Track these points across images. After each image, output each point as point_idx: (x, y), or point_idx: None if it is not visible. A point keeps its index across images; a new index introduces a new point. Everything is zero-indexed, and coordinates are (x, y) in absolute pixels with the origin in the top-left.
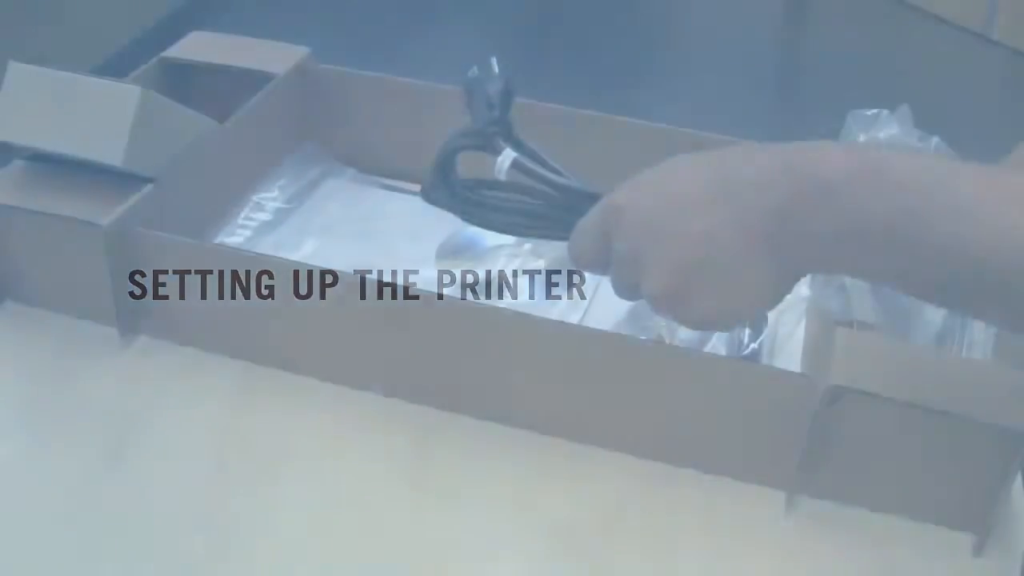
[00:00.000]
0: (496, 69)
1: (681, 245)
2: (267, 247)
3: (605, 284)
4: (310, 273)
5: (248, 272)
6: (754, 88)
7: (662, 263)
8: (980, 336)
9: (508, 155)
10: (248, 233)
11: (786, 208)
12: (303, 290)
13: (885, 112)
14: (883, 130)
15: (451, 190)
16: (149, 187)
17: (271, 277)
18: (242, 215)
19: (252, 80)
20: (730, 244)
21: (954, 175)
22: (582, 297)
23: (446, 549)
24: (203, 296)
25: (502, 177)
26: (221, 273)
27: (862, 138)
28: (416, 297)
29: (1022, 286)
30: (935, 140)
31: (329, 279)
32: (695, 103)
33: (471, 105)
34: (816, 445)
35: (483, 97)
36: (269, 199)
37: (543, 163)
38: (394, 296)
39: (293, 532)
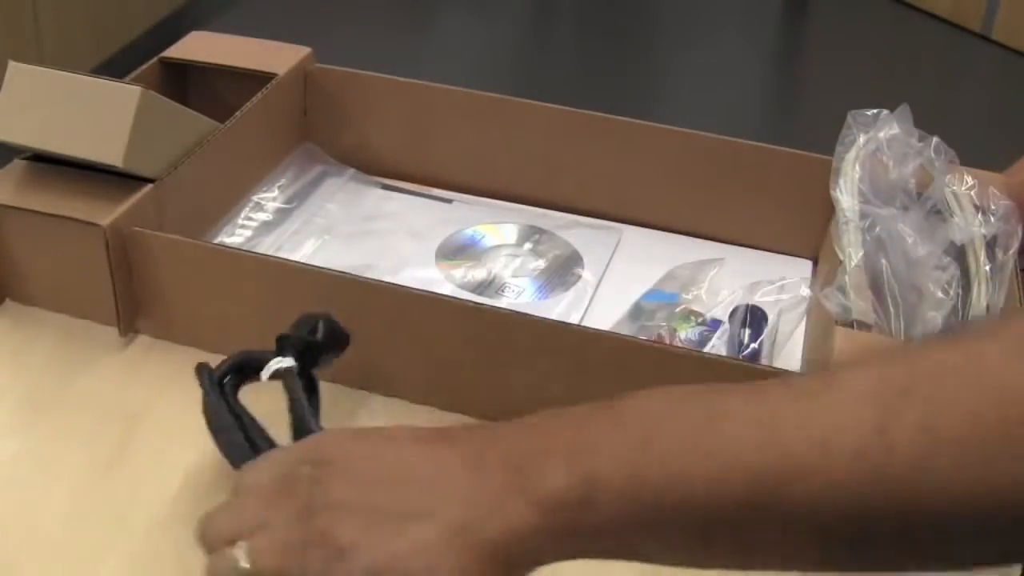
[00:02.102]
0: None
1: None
2: (267, 247)
3: (605, 284)
4: (310, 273)
5: (248, 272)
6: (754, 88)
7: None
8: None
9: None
10: (248, 233)
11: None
12: (303, 290)
13: (885, 112)
14: (883, 130)
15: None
16: (149, 187)
17: (271, 277)
18: (242, 215)
19: (252, 80)
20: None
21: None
22: (582, 296)
23: None
24: (203, 296)
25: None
26: (221, 273)
27: (862, 139)
28: (417, 297)
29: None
30: (935, 140)
31: (329, 279)
32: (695, 103)
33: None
34: None
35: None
36: (269, 199)
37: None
38: (395, 296)
39: None
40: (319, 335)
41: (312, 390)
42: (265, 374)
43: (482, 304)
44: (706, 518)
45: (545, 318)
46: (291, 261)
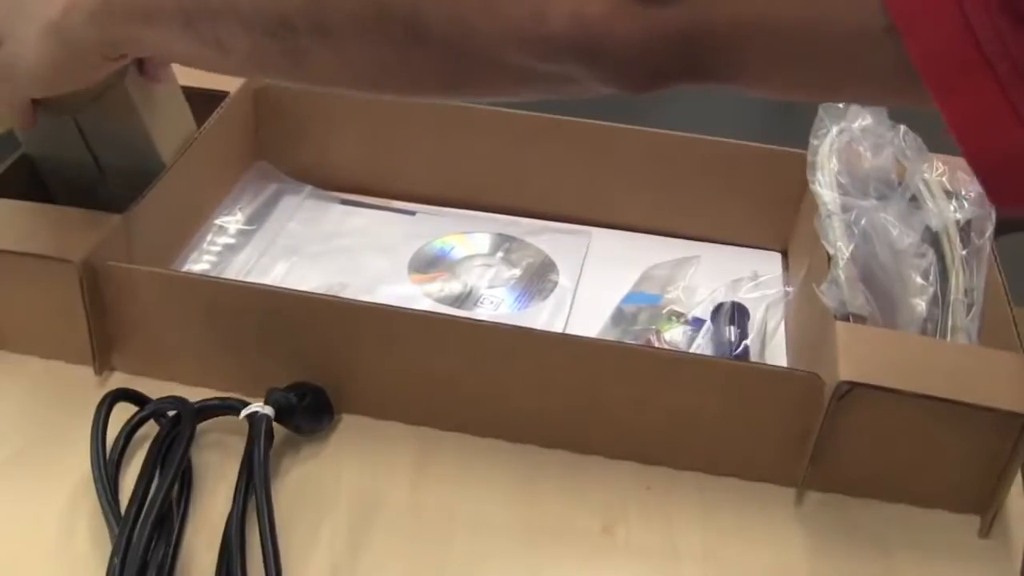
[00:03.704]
0: None
1: None
2: (236, 272)
3: (581, 288)
4: (293, 298)
5: (229, 301)
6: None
7: None
8: (962, 322)
9: None
10: (214, 259)
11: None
12: (285, 316)
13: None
14: (856, 120)
15: None
16: (118, 219)
17: (250, 304)
18: (207, 240)
19: (200, 98)
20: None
21: None
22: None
23: (446, 561)
24: (182, 328)
25: None
26: (200, 303)
27: (835, 130)
28: (410, 317)
29: None
30: (903, 128)
31: (313, 303)
32: (690, 103)
33: None
34: (826, 440)
35: None
36: (232, 221)
37: None
38: (383, 316)
39: (288, 545)
40: (304, 401)
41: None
42: (243, 413)
43: (480, 321)
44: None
45: (545, 331)
46: (274, 288)
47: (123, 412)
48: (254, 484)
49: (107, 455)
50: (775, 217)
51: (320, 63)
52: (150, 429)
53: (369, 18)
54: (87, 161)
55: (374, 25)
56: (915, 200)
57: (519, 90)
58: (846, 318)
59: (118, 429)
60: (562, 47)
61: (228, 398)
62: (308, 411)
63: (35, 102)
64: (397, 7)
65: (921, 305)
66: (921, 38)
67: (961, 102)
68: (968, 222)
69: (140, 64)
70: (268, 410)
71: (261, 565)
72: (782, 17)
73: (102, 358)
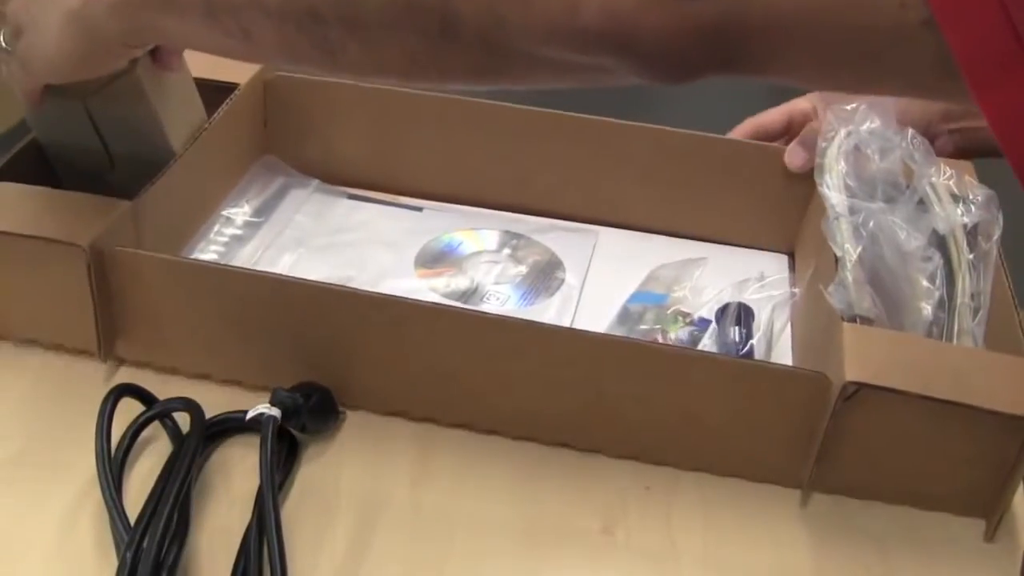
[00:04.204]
0: None
1: None
2: (242, 262)
3: (587, 287)
4: (296, 287)
5: (242, 289)
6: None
7: None
8: (968, 325)
9: None
10: (221, 249)
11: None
12: (291, 303)
13: (864, 105)
14: (864, 123)
15: None
16: (127, 205)
17: (256, 291)
18: (214, 230)
19: (210, 90)
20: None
21: None
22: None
23: (446, 559)
24: (191, 316)
25: None
26: (210, 292)
27: (843, 132)
28: (424, 309)
29: None
30: (910, 132)
31: (323, 293)
32: (699, 101)
33: None
34: (831, 441)
35: None
36: (239, 213)
37: None
38: (397, 308)
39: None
40: (310, 402)
41: (290, 451)
42: (250, 414)
43: (486, 313)
44: None
45: (551, 324)
46: (281, 276)
47: (129, 413)
48: (262, 486)
49: (112, 452)
50: (782, 219)
51: (351, 54)
52: (155, 430)
53: (400, 10)
54: (97, 147)
55: (405, 17)
56: (922, 203)
57: (551, 80)
58: (853, 320)
59: (123, 428)
60: (593, 39)
61: (234, 411)
62: (314, 411)
63: (44, 85)
64: None
65: (927, 308)
66: (961, 32)
67: (1001, 99)
68: (975, 226)
69: (153, 52)
70: (275, 411)
71: (266, 561)
72: (815, 9)
73: (107, 345)
